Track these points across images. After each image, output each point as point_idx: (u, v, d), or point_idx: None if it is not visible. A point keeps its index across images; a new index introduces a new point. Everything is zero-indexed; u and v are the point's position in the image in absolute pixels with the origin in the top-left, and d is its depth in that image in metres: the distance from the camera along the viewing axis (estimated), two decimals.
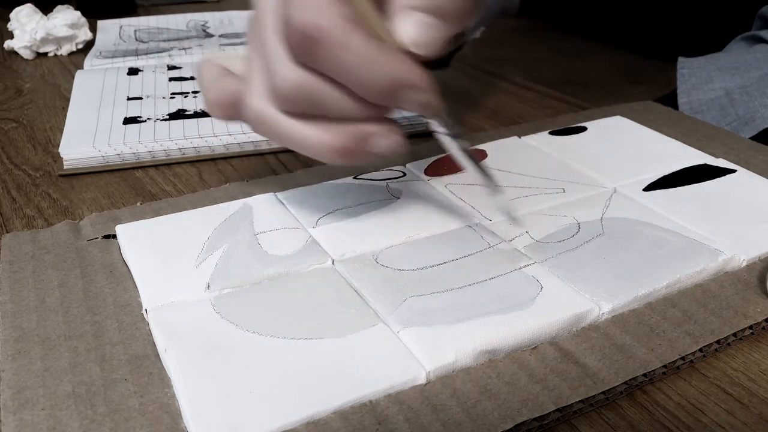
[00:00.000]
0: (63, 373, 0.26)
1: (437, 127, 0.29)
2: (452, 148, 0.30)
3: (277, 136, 0.28)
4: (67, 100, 0.53)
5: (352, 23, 0.25)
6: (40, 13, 0.69)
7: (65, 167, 0.43)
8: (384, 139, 0.28)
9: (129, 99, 0.52)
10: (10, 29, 0.69)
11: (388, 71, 0.25)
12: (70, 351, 0.27)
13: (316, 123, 0.27)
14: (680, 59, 0.63)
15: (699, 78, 0.60)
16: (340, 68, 0.25)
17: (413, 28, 0.26)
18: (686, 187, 0.38)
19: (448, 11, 0.27)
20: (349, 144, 0.27)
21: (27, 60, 0.67)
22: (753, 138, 0.51)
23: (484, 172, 0.31)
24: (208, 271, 0.31)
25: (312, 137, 0.27)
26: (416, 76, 0.26)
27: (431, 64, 0.28)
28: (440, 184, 0.38)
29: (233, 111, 0.30)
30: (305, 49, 0.25)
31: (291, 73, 0.26)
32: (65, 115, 0.49)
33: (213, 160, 0.45)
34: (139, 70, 0.58)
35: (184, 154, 0.45)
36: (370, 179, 0.39)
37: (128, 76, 0.57)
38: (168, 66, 0.60)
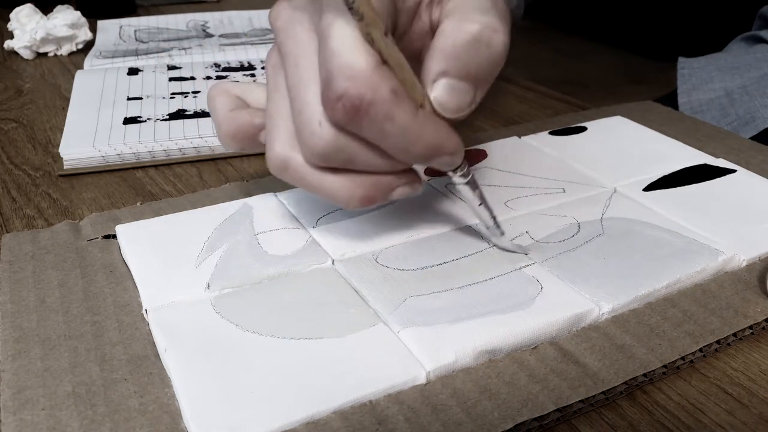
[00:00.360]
0: (63, 373, 0.26)
1: (456, 178, 0.30)
2: (468, 196, 0.31)
3: (301, 183, 0.29)
4: (67, 100, 0.53)
5: (397, 95, 0.25)
6: (40, 13, 0.69)
7: (65, 167, 0.43)
8: (407, 188, 0.29)
9: (129, 99, 0.52)
10: (10, 29, 0.69)
11: (428, 141, 0.26)
12: (70, 351, 0.27)
13: (343, 175, 0.28)
14: (680, 59, 0.63)
15: (699, 78, 0.60)
16: (382, 137, 0.26)
17: (445, 93, 0.27)
18: (686, 187, 0.38)
19: (477, 75, 0.27)
20: (373, 194, 0.28)
21: (27, 60, 0.67)
22: (753, 138, 0.51)
23: (496, 220, 0.32)
24: (208, 271, 0.31)
25: (338, 189, 0.28)
26: (453, 143, 0.27)
27: None
28: (440, 184, 0.38)
29: (248, 144, 0.31)
30: (350, 118, 0.25)
31: (329, 135, 0.26)
32: (65, 115, 0.49)
33: (213, 160, 0.45)
34: (139, 70, 0.58)
35: (184, 154, 0.45)
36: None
37: (128, 76, 0.57)
38: (168, 66, 0.60)
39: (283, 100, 0.28)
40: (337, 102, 0.24)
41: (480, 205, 0.31)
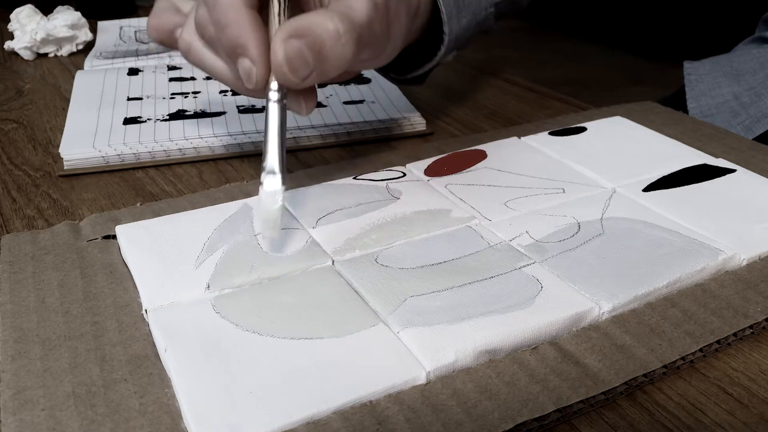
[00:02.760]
0: (63, 374, 0.26)
1: (271, 93, 0.31)
2: (270, 117, 0.31)
3: (197, 62, 0.35)
4: (67, 100, 0.53)
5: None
6: (41, 14, 0.69)
7: (65, 167, 0.43)
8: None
9: (129, 99, 0.52)
10: (10, 30, 0.69)
11: (234, 36, 0.30)
12: (70, 351, 0.27)
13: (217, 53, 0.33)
14: (686, 65, 0.63)
15: (707, 84, 0.60)
16: (211, 17, 0.31)
17: (295, 51, 0.29)
18: (686, 187, 0.38)
19: (322, 59, 0.30)
20: (239, 82, 0.32)
21: (27, 61, 0.67)
22: (764, 134, 0.52)
23: (273, 155, 0.31)
24: (208, 271, 0.31)
25: (221, 67, 0.33)
26: (254, 51, 0.30)
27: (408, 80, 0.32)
28: (440, 184, 0.38)
29: (166, 39, 0.37)
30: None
31: (201, 16, 0.32)
32: (65, 116, 0.49)
33: (213, 160, 0.45)
34: (139, 71, 0.58)
35: (184, 154, 0.45)
36: (370, 179, 0.39)
37: (128, 77, 0.57)
38: (168, 66, 0.60)
39: (199, 3, 0.33)
40: None
41: (277, 137, 0.31)
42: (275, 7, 0.30)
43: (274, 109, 0.31)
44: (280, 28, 0.29)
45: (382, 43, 0.34)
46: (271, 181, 0.31)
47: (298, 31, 0.29)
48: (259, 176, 0.31)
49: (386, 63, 0.37)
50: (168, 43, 0.38)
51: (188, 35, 0.34)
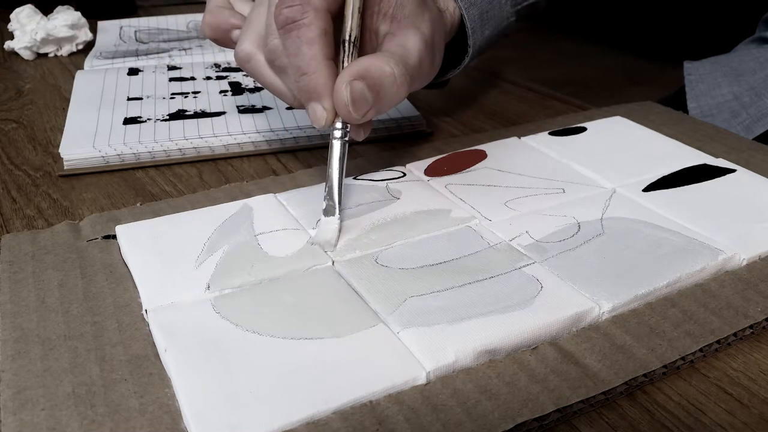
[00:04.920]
0: (63, 374, 0.26)
1: (335, 131, 0.34)
2: (333, 154, 0.34)
3: (256, 76, 0.36)
4: (67, 100, 0.53)
5: (317, 37, 0.32)
6: (41, 14, 0.69)
7: (65, 167, 0.43)
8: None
9: (129, 99, 0.52)
10: (10, 30, 0.69)
11: (312, 82, 0.32)
12: (70, 351, 0.27)
13: (285, 79, 0.35)
14: (686, 65, 0.63)
15: (707, 84, 0.60)
16: (291, 54, 0.32)
17: (359, 92, 0.31)
18: (686, 187, 0.38)
19: (381, 98, 0.32)
20: (299, 103, 0.35)
21: (27, 60, 0.67)
22: (766, 133, 0.51)
23: (335, 191, 0.34)
24: (208, 271, 0.31)
25: (279, 86, 0.36)
26: (327, 102, 0.32)
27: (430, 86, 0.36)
28: (440, 184, 0.38)
29: (221, 36, 0.39)
30: (281, 27, 0.32)
31: (272, 43, 0.34)
32: (65, 116, 0.49)
33: (213, 160, 0.45)
34: (140, 71, 0.58)
35: (184, 154, 0.45)
36: (370, 179, 0.39)
37: (128, 77, 0.57)
38: (168, 66, 0.60)
39: (262, 8, 0.35)
40: (279, 15, 0.32)
41: (338, 172, 0.34)
42: (343, 53, 0.33)
43: (337, 146, 0.34)
44: (345, 70, 0.32)
45: (429, 74, 0.37)
46: (330, 211, 0.34)
47: (360, 73, 0.31)
48: (323, 204, 0.34)
49: (426, 83, 0.40)
50: (222, 42, 0.39)
51: (249, 47, 0.36)
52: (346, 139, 0.34)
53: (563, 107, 0.54)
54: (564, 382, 0.25)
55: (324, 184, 0.34)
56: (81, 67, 0.62)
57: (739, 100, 0.56)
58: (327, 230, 0.33)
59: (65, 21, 0.67)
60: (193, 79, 0.57)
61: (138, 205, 0.38)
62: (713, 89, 0.59)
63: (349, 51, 0.33)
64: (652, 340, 0.27)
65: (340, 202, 0.34)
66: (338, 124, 0.33)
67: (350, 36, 0.33)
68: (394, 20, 0.34)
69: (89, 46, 0.69)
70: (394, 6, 0.34)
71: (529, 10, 0.52)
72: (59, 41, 0.68)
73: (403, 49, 0.34)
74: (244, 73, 0.58)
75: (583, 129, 0.46)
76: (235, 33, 0.37)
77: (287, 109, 0.50)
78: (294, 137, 0.47)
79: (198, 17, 0.78)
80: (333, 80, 0.32)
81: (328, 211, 0.34)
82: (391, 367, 0.25)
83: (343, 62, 0.33)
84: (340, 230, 0.34)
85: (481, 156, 0.42)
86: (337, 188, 0.34)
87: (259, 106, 0.51)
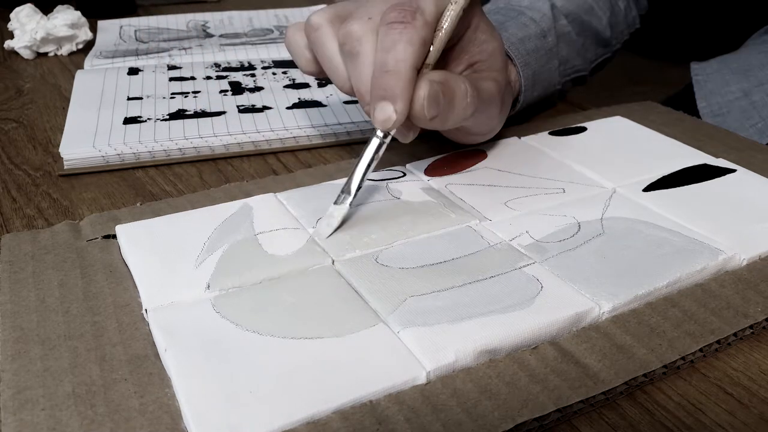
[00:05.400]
0: (63, 374, 0.26)
1: (378, 131, 0.34)
2: (367, 151, 0.34)
3: (317, 44, 0.37)
4: (68, 100, 0.53)
5: (413, 39, 0.32)
6: (41, 13, 0.69)
7: (65, 167, 0.43)
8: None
9: (129, 99, 0.52)
10: (10, 29, 0.69)
11: (390, 82, 0.32)
12: (70, 351, 0.27)
13: (346, 60, 0.35)
14: (693, 66, 0.63)
15: (714, 83, 0.60)
16: (382, 46, 0.33)
17: (433, 91, 0.33)
18: (686, 187, 0.38)
19: (451, 111, 0.34)
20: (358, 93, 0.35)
21: (27, 60, 0.67)
22: None
23: (355, 182, 0.34)
24: (208, 271, 0.31)
25: (334, 56, 0.36)
26: (401, 106, 0.32)
27: None
28: (440, 184, 0.38)
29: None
30: (385, 26, 0.33)
31: (355, 25, 0.34)
32: (65, 115, 0.49)
33: (213, 160, 0.45)
34: (140, 70, 0.58)
35: (184, 154, 0.45)
36: (370, 179, 0.39)
37: (128, 76, 0.57)
38: (168, 66, 0.60)
39: (351, 3, 0.37)
40: (391, 12, 0.33)
41: (365, 167, 0.34)
42: (429, 58, 0.34)
43: (374, 144, 0.34)
44: (428, 73, 0.33)
45: (491, 123, 0.40)
46: (341, 200, 0.34)
47: (439, 79, 0.33)
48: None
49: (490, 137, 0.42)
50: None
51: (321, 19, 0.36)
52: (386, 141, 0.34)
53: (563, 107, 0.54)
54: (564, 382, 0.25)
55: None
56: (81, 67, 0.62)
57: (750, 97, 0.56)
58: (329, 218, 0.34)
59: (65, 20, 0.67)
60: (193, 78, 0.57)
61: (138, 204, 0.38)
62: (722, 87, 0.59)
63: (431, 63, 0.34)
64: (652, 340, 0.27)
65: (355, 195, 0.34)
66: None
67: (430, 61, 0.34)
68: (475, 71, 0.38)
69: (89, 45, 0.69)
70: (479, 60, 0.37)
71: (575, 81, 0.55)
72: (59, 41, 0.68)
73: (476, 83, 0.36)
74: (244, 73, 0.58)
75: (583, 129, 0.46)
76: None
77: (287, 108, 0.50)
78: (294, 137, 0.47)
79: (198, 16, 0.78)
80: (412, 87, 0.32)
81: (338, 200, 0.34)
82: (391, 367, 0.25)
83: (426, 68, 0.34)
84: (342, 222, 0.34)
85: (481, 156, 0.42)
86: (358, 180, 0.34)
87: (259, 106, 0.51)
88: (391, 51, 0.32)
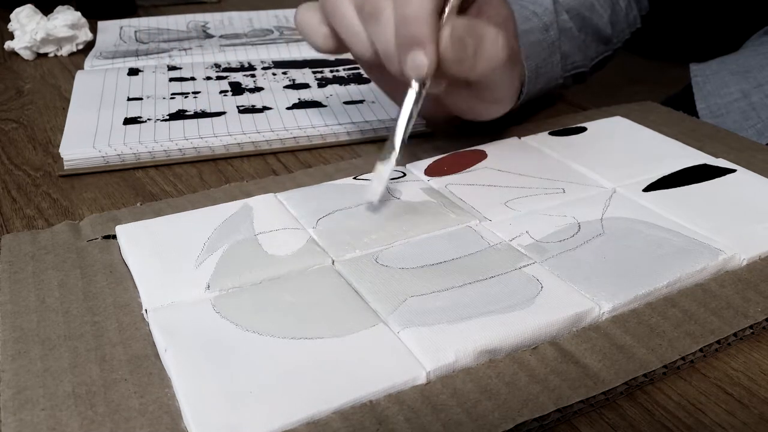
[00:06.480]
0: (63, 374, 0.26)
1: (414, 82, 0.34)
2: (406, 102, 0.34)
3: (333, 9, 0.36)
4: (68, 100, 0.53)
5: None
6: (41, 14, 0.69)
7: (65, 167, 0.43)
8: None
9: (129, 99, 0.52)
10: (10, 30, 0.69)
11: (414, 30, 0.32)
12: (70, 351, 0.27)
13: (367, 23, 0.35)
14: (692, 67, 0.63)
15: (714, 84, 0.60)
16: (398, 5, 0.33)
17: (459, 34, 0.32)
18: (686, 187, 0.38)
19: (476, 56, 0.33)
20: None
21: (27, 60, 0.67)
22: None
23: (398, 135, 0.34)
24: (208, 271, 0.31)
25: (353, 21, 0.35)
26: (431, 49, 0.32)
27: None
28: (440, 184, 0.38)
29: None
30: None
31: None
32: (65, 116, 0.49)
33: (213, 160, 0.45)
34: (140, 71, 0.58)
35: (184, 154, 0.45)
36: (371, 179, 0.39)
37: (128, 77, 0.57)
38: (168, 66, 0.60)
39: None
40: None
41: (406, 120, 0.34)
42: (449, 5, 0.34)
43: (412, 96, 0.34)
44: (454, 18, 0.33)
45: (515, 78, 0.40)
46: (386, 155, 0.35)
47: (466, 23, 0.33)
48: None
49: (503, 113, 0.42)
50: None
51: None
52: (423, 91, 0.34)
53: (563, 107, 0.54)
54: (564, 382, 0.25)
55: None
56: (81, 67, 0.62)
57: (749, 99, 0.56)
58: (377, 177, 0.35)
59: (65, 21, 0.67)
60: (193, 79, 0.57)
61: (138, 205, 0.38)
62: (721, 88, 0.59)
63: (454, 5, 0.34)
64: (652, 340, 0.27)
65: (401, 149, 0.34)
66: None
67: (453, 4, 0.34)
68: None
69: (89, 46, 0.69)
70: (496, 23, 0.36)
71: (575, 78, 0.55)
72: (59, 41, 0.68)
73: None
74: (244, 73, 0.58)
75: (583, 129, 0.46)
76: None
77: (287, 109, 0.50)
78: (294, 137, 0.47)
79: (198, 17, 0.78)
80: (437, 31, 0.32)
81: (383, 157, 0.34)
82: (391, 367, 0.25)
83: (448, 15, 0.34)
84: (389, 178, 0.35)
85: (481, 156, 0.42)
86: (401, 134, 0.34)
87: (259, 106, 0.51)
88: (406, 4, 0.32)
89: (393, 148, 0.34)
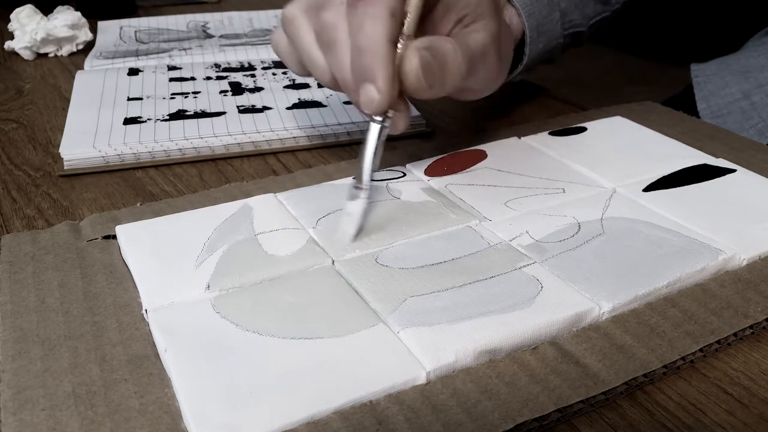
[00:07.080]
0: (63, 374, 0.26)
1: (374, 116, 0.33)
2: (370, 137, 0.33)
3: (293, 37, 0.35)
4: (68, 100, 0.53)
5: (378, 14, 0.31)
6: (41, 14, 0.69)
7: (65, 167, 0.43)
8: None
9: (129, 99, 0.52)
10: (10, 30, 0.69)
11: (366, 62, 0.31)
12: (70, 351, 0.27)
13: (325, 51, 0.34)
14: (693, 67, 0.63)
15: (714, 84, 0.60)
16: (353, 30, 0.32)
17: (426, 59, 0.32)
18: (686, 187, 0.38)
19: (446, 73, 0.33)
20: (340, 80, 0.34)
21: (27, 61, 0.67)
22: None
23: (365, 173, 0.33)
24: (208, 271, 0.31)
25: (312, 49, 0.35)
26: (382, 83, 0.31)
27: None
28: (440, 184, 0.38)
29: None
30: (350, 6, 0.32)
31: (328, 13, 0.33)
32: (65, 116, 0.49)
33: (213, 160, 0.45)
34: (140, 71, 0.58)
35: (184, 154, 0.45)
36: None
37: (128, 77, 0.57)
38: (168, 66, 0.60)
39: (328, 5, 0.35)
40: None
41: (371, 156, 0.33)
42: (406, 26, 0.33)
43: (375, 129, 0.33)
44: (412, 43, 0.32)
45: (493, 72, 0.38)
46: (354, 195, 0.33)
47: (425, 45, 0.32)
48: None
49: (496, 89, 0.40)
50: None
51: (296, 10, 0.35)
52: (386, 124, 0.33)
53: (563, 107, 0.54)
54: (564, 382, 0.25)
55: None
56: (81, 67, 0.62)
57: (750, 99, 0.56)
58: (347, 217, 0.33)
59: (65, 21, 0.67)
60: (193, 79, 0.57)
61: (138, 205, 0.38)
62: (721, 89, 0.59)
63: (411, 29, 0.33)
64: (652, 340, 0.27)
65: (367, 185, 0.33)
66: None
67: (408, 32, 0.32)
68: (465, 26, 0.35)
69: (89, 46, 0.69)
70: (466, 13, 0.35)
71: (572, 40, 0.54)
72: (59, 41, 0.68)
73: (465, 39, 0.34)
74: (244, 73, 0.58)
75: (583, 129, 0.46)
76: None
77: (287, 109, 0.50)
78: (294, 137, 0.47)
79: (198, 17, 0.78)
80: (391, 64, 0.31)
81: (352, 195, 0.33)
82: (391, 367, 0.25)
83: (402, 40, 0.33)
84: (363, 217, 0.33)
85: (481, 156, 0.42)
86: (368, 171, 0.33)
87: (259, 106, 0.51)
88: (360, 30, 0.31)
89: (361, 187, 0.33)
